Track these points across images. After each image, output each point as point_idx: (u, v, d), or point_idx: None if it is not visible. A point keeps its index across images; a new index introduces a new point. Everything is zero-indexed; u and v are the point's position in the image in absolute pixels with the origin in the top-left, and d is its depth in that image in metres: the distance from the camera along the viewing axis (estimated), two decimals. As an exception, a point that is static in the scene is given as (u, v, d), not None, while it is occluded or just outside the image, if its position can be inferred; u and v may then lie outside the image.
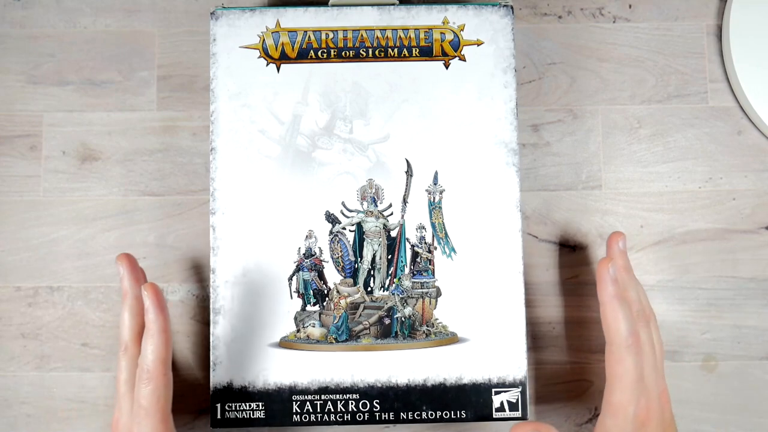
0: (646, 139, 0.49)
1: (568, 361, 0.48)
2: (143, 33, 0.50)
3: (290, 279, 0.44)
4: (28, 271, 0.48)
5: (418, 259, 0.45)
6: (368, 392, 0.43)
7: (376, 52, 0.45)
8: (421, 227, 0.45)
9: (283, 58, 0.45)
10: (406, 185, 0.45)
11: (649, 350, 0.40)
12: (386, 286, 0.45)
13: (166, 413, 0.40)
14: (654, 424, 0.39)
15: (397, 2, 0.46)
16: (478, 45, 0.45)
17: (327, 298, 0.44)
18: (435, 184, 0.45)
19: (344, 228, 0.45)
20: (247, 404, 0.43)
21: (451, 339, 0.44)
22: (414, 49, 0.45)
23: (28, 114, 0.49)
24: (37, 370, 0.48)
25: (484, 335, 0.44)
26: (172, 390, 0.40)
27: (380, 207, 0.45)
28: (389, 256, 0.45)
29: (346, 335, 0.44)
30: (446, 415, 0.43)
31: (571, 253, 0.49)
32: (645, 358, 0.40)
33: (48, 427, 0.47)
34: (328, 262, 0.44)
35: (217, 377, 0.43)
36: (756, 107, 0.48)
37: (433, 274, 0.44)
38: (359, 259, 0.45)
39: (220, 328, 0.44)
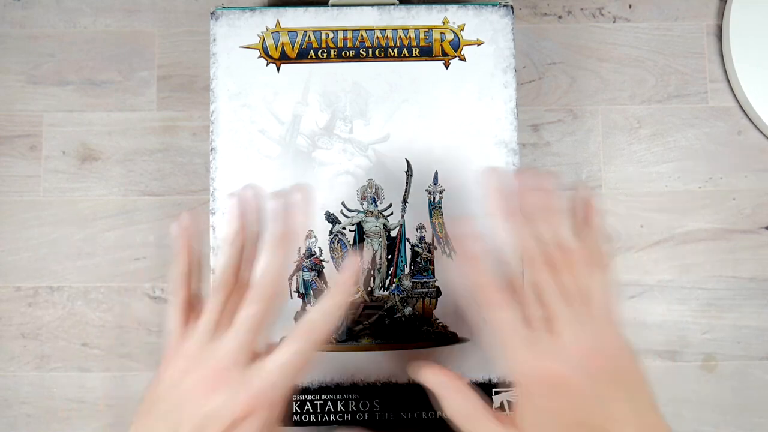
0: (646, 139, 0.49)
1: (568, 361, 0.48)
2: (143, 33, 0.50)
3: (290, 279, 0.44)
4: (28, 271, 0.48)
5: (418, 259, 0.45)
6: (368, 392, 0.43)
7: (376, 52, 0.45)
8: (421, 227, 0.45)
9: (283, 58, 0.45)
10: (406, 185, 0.45)
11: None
12: (386, 286, 0.45)
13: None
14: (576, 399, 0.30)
15: (397, 2, 0.46)
16: (478, 45, 0.45)
17: (327, 298, 0.44)
18: (435, 184, 0.45)
19: (344, 228, 0.45)
20: (247, 404, 0.43)
21: (451, 339, 0.44)
22: (414, 49, 0.45)
23: (28, 114, 0.49)
24: (37, 370, 0.48)
25: (484, 335, 0.44)
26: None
27: (380, 207, 0.45)
28: (389, 256, 0.45)
29: (346, 335, 0.44)
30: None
31: (571, 253, 0.49)
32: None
33: (48, 427, 0.47)
34: (328, 262, 0.44)
35: (217, 377, 0.43)
36: (756, 107, 0.48)
37: (433, 274, 0.44)
38: (359, 259, 0.45)
39: (220, 328, 0.43)
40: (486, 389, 0.43)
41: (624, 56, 0.50)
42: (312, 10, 0.45)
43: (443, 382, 0.33)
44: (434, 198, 0.45)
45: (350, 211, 0.45)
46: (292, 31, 0.45)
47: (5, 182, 0.49)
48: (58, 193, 0.49)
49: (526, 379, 0.31)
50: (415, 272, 0.44)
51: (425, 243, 0.45)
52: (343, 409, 0.43)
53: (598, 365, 0.30)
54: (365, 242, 0.45)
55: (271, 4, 0.48)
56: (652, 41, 0.50)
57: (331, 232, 0.45)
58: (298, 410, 0.43)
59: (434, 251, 0.44)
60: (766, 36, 0.49)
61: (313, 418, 0.43)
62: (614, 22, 0.50)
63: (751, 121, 0.49)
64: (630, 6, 0.50)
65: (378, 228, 0.45)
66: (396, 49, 0.45)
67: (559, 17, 0.50)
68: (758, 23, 0.48)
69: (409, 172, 0.45)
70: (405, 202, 0.45)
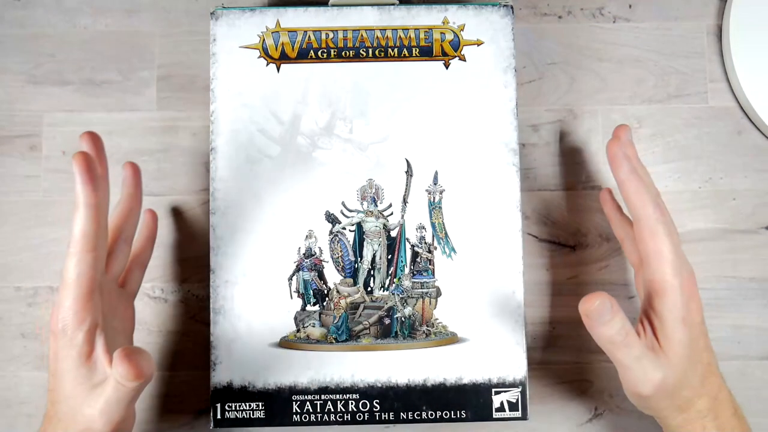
0: (646, 139, 0.49)
1: (568, 361, 0.48)
2: (143, 33, 0.50)
3: (290, 279, 0.44)
4: (28, 271, 0.48)
5: (418, 259, 0.45)
6: (368, 392, 0.43)
7: (376, 52, 0.45)
8: (421, 227, 0.45)
9: (283, 58, 0.45)
10: (406, 185, 0.45)
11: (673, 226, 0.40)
12: (386, 286, 0.45)
13: (90, 290, 0.37)
14: (696, 300, 0.39)
15: (397, 2, 0.46)
16: (478, 45, 0.45)
17: (327, 298, 0.44)
18: (435, 184, 0.45)
19: (344, 228, 0.45)
20: (247, 404, 0.43)
21: (451, 339, 0.44)
22: (414, 49, 0.45)
23: (28, 114, 0.49)
24: (37, 370, 0.48)
25: (484, 335, 0.44)
26: (100, 269, 0.38)
27: (380, 207, 0.45)
28: (389, 256, 0.45)
29: (346, 335, 0.44)
30: (446, 415, 0.43)
31: (571, 253, 0.49)
32: (674, 231, 0.39)
33: (48, 427, 0.47)
34: (328, 262, 0.44)
35: (217, 377, 0.43)
36: (756, 107, 0.48)
37: (433, 274, 0.44)
38: (359, 259, 0.45)
39: (220, 328, 0.44)
40: (486, 389, 0.43)
41: (624, 56, 0.50)
42: (312, 10, 0.45)
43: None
44: (434, 198, 0.45)
45: (350, 211, 0.45)
46: (292, 31, 0.45)
47: (5, 182, 0.49)
48: (58, 193, 0.49)
49: (673, 287, 0.37)
50: (415, 272, 0.44)
51: (425, 243, 0.45)
52: (343, 409, 0.43)
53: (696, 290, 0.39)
54: (365, 242, 0.45)
55: (271, 4, 0.48)
56: (652, 41, 0.50)
57: (331, 232, 0.45)
58: (298, 410, 0.43)
59: (434, 251, 0.44)
60: (766, 36, 0.49)
61: (313, 418, 0.43)
62: (614, 22, 0.50)
63: (751, 121, 0.49)
64: (630, 6, 0.50)
65: (378, 228, 0.45)
66: (396, 49, 0.45)
67: (559, 17, 0.50)
68: (758, 23, 0.48)
69: (409, 172, 0.45)
70: (405, 202, 0.45)
